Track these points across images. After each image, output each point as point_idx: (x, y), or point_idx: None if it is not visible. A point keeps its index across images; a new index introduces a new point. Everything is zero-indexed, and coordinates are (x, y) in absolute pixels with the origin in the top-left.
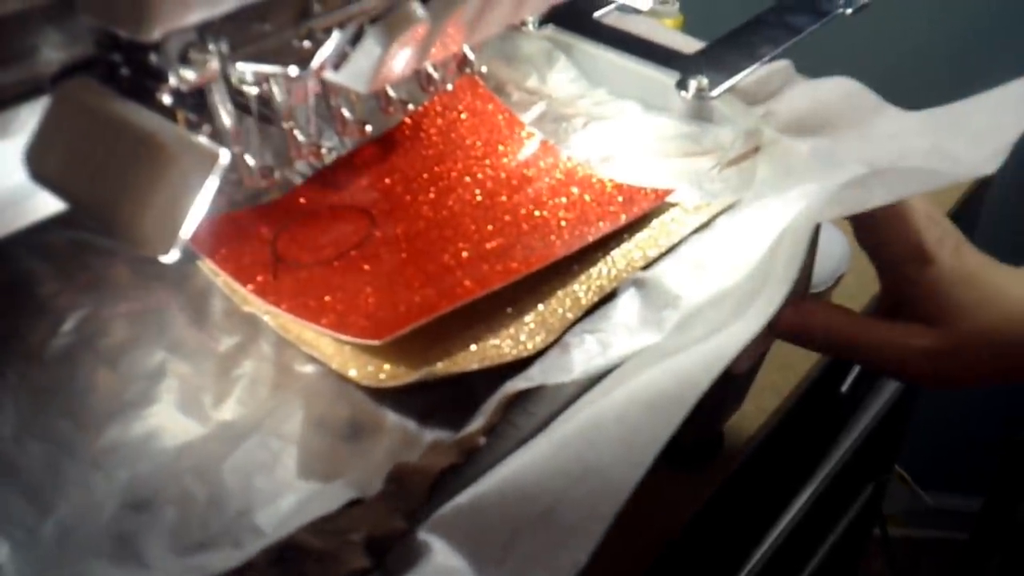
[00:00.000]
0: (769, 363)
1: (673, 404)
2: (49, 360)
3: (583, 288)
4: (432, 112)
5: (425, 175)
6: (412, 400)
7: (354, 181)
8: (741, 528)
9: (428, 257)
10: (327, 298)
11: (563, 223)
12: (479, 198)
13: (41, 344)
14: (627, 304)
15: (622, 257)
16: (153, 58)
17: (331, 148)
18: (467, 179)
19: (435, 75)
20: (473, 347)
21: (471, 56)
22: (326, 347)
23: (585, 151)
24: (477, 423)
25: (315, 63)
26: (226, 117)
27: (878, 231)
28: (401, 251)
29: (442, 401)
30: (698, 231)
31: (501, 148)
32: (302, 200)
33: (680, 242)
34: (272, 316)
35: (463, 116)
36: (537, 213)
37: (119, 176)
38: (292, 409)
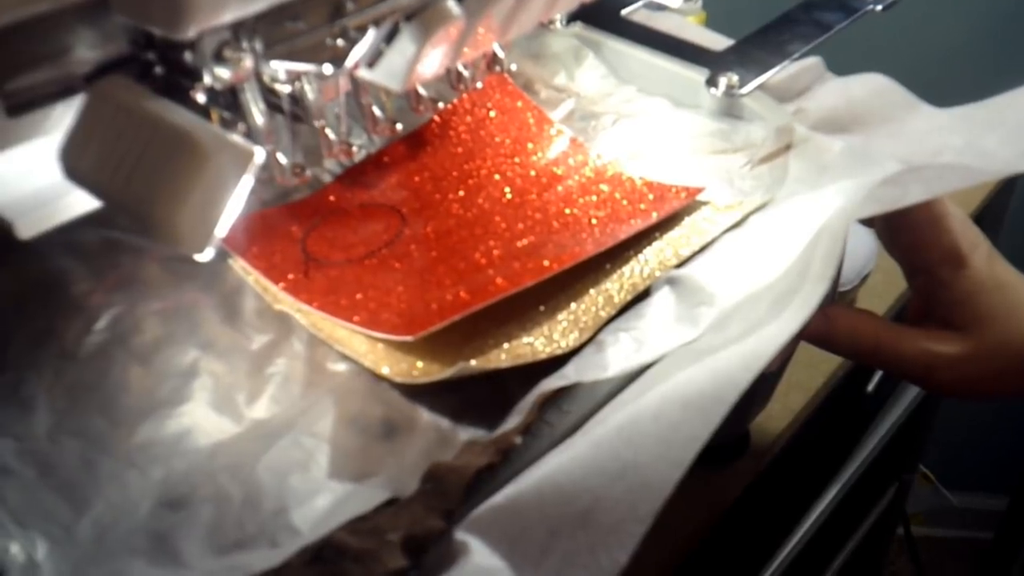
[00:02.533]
0: (796, 362)
1: (712, 403)
2: (83, 358)
3: (616, 286)
4: (461, 110)
5: (455, 173)
6: (445, 399)
7: (384, 179)
8: (767, 527)
9: (459, 255)
10: (359, 296)
11: (594, 221)
12: (509, 196)
13: (75, 342)
14: (661, 302)
15: (654, 255)
16: (187, 56)
17: (361, 146)
18: (496, 177)
19: (465, 73)
20: (506, 345)
21: (501, 55)
22: (358, 345)
23: (614, 149)
24: (513, 422)
25: (350, 61)
26: (259, 115)
27: (913, 233)
28: (432, 249)
29: (475, 400)
30: (731, 229)
31: (530, 146)
32: (332, 198)
33: (713, 240)
34: (304, 314)
35: (492, 114)
36: (568, 211)
37: (154, 174)
38: (325, 407)
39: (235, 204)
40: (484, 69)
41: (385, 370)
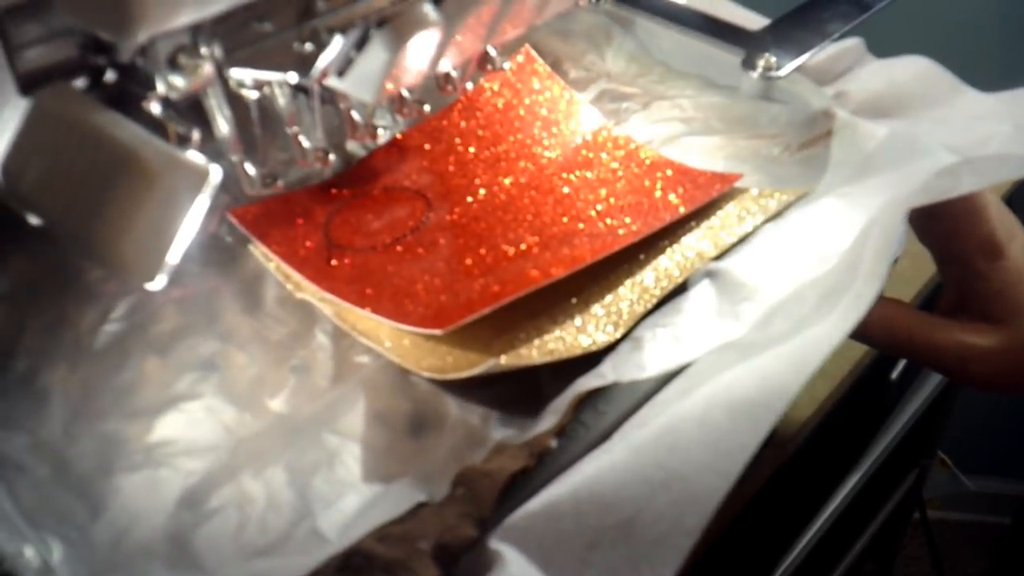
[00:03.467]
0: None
1: (761, 410)
2: (99, 348)
3: (652, 278)
4: (489, 91)
5: (482, 156)
6: (475, 393)
7: (408, 163)
8: (789, 514)
9: (487, 243)
10: (384, 285)
11: (626, 208)
12: (537, 181)
13: (91, 331)
14: (700, 297)
15: (692, 246)
16: (140, 63)
17: (387, 127)
18: (524, 163)
19: (454, 75)
20: (537, 341)
21: (493, 54)
22: (384, 337)
23: (647, 132)
24: (547, 423)
25: (317, 69)
26: (224, 124)
27: (950, 222)
28: (458, 236)
29: (506, 396)
30: (770, 219)
31: (560, 128)
32: (355, 182)
33: (753, 231)
34: (327, 304)
35: (521, 95)
36: (600, 197)
37: (98, 196)
38: (351, 402)
39: (189, 228)
40: (474, 69)
41: (413, 365)
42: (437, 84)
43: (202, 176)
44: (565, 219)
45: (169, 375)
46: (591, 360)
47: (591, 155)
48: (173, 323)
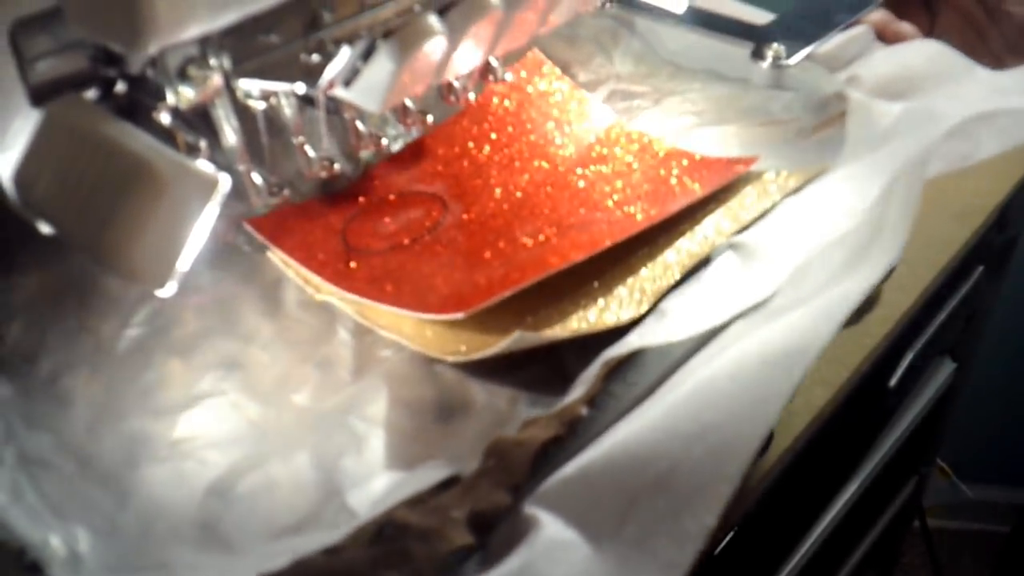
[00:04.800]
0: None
1: (794, 357)
2: (121, 352)
3: (674, 257)
4: (499, 95)
5: (495, 158)
6: (501, 379)
7: (421, 167)
8: (788, 523)
9: (505, 237)
10: (404, 281)
11: (643, 197)
12: (552, 178)
13: (113, 336)
14: (725, 266)
15: (711, 225)
16: (150, 74)
17: (396, 136)
18: (538, 161)
19: (456, 85)
20: (561, 321)
21: (495, 64)
22: (407, 328)
23: (659, 127)
24: (577, 392)
25: (324, 80)
26: (231, 134)
27: None
28: (476, 233)
29: (532, 380)
30: (789, 195)
31: (572, 127)
32: (368, 188)
33: (772, 207)
34: (348, 303)
35: (532, 97)
36: (616, 189)
37: (110, 205)
38: (376, 393)
39: (199, 235)
40: (477, 80)
41: (435, 351)
42: (441, 94)
43: (211, 185)
44: (582, 210)
45: (192, 375)
46: (617, 338)
47: (605, 151)
48: (194, 327)
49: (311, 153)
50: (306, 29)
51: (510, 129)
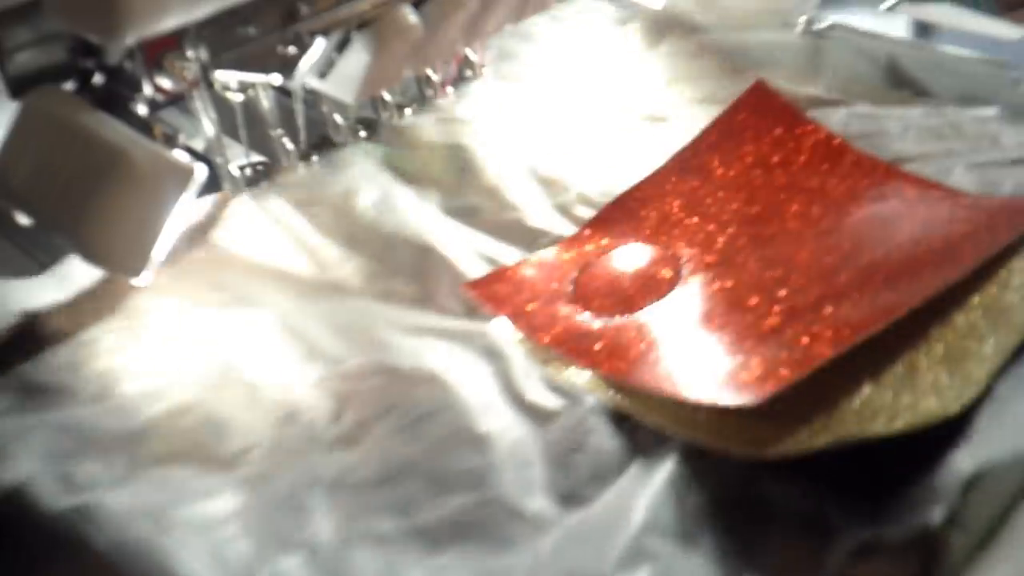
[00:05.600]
0: None
1: None
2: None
3: (989, 325)
4: (730, 135)
5: (734, 206)
6: (795, 475)
7: (640, 218)
8: None
9: (772, 298)
10: (672, 359)
11: (934, 245)
12: (812, 226)
13: None
14: None
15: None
16: (127, 65)
17: (367, 127)
18: (795, 207)
19: (434, 76)
20: (870, 409)
21: (473, 57)
22: (676, 415)
23: (919, 163)
24: (931, 512)
25: (299, 71)
26: (209, 125)
27: None
28: (737, 299)
29: (835, 475)
30: None
31: (823, 167)
32: (592, 244)
33: None
34: (602, 389)
35: (772, 145)
36: (895, 233)
37: (87, 193)
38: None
39: (174, 225)
40: (456, 72)
41: (726, 446)
42: (418, 86)
43: (187, 174)
44: (863, 263)
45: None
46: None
47: (871, 193)
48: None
49: (289, 145)
50: (283, 21)
51: (750, 173)
